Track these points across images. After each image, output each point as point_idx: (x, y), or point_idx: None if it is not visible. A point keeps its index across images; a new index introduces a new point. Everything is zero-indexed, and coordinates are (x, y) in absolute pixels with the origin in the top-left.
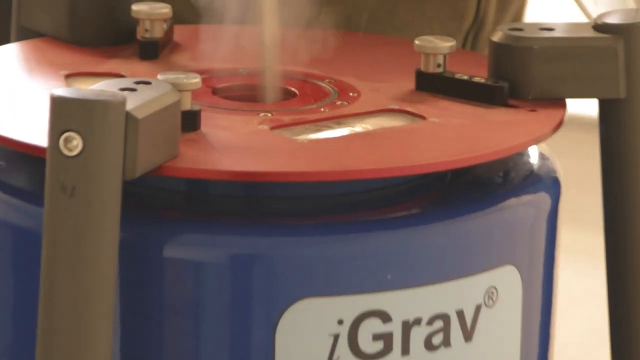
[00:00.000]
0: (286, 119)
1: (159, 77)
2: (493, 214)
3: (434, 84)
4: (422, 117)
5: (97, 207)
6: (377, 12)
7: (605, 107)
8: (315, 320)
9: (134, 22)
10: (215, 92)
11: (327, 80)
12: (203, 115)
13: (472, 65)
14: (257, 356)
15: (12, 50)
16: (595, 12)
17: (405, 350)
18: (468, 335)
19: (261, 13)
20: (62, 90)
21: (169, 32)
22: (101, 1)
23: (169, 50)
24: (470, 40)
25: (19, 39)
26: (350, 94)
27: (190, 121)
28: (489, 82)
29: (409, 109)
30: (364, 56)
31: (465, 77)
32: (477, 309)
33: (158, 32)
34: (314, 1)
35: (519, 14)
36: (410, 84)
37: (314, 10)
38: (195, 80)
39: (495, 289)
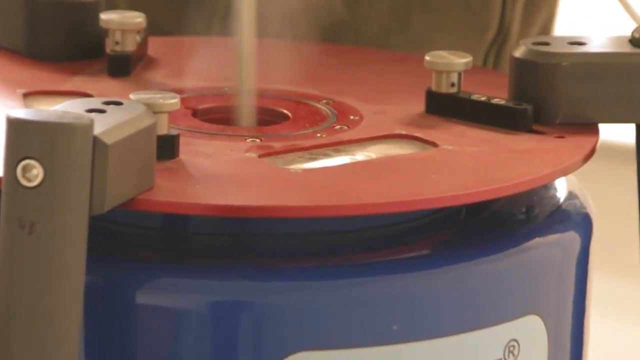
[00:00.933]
0: (277, 145)
1: (132, 96)
2: (514, 256)
3: (447, 106)
4: (434, 144)
5: (59, 246)
6: (388, 23)
7: None
8: None
9: (102, 34)
10: (196, 114)
11: (324, 101)
12: (182, 140)
13: (492, 84)
14: None
15: None
16: None
17: None
18: None
19: (237, 21)
20: (19, 112)
21: (143, 45)
22: (64, 9)
23: (143, 65)
24: (492, 55)
25: None
26: (351, 117)
27: (168, 147)
28: (511, 104)
29: (418, 134)
30: (367, 74)
31: (483, 99)
32: None
33: (130, 44)
34: (313, 9)
35: (547, 25)
36: (420, 106)
37: (312, 20)
38: (173, 100)
39: (517, 342)
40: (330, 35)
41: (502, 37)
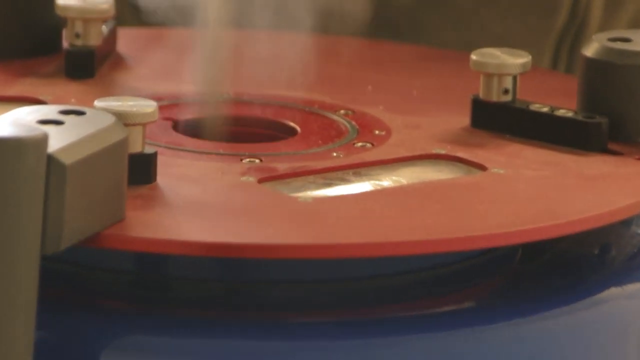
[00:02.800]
0: (282, 167)
1: (97, 104)
2: (585, 311)
3: (499, 119)
4: (481, 167)
5: (3, 292)
6: (423, 7)
7: None
8: None
9: (59, 24)
10: (177, 126)
11: (342, 112)
12: (161, 160)
13: (557, 91)
14: None
15: None
16: None
17: None
18: None
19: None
20: None
21: (111, 38)
22: None
23: (111, 64)
24: (565, 49)
25: None
26: (376, 131)
27: (142, 169)
28: (580, 117)
29: (461, 154)
30: (396, 76)
31: (545, 109)
32: None
33: (94, 37)
34: None
35: (634, 22)
36: (463, 118)
37: (325, 8)
38: (149, 109)
39: None
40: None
41: (576, 25)
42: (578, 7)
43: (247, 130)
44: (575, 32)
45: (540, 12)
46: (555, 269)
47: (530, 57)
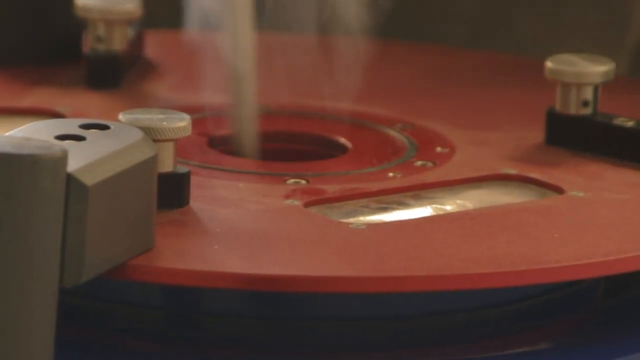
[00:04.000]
0: (331, 189)
1: (122, 117)
2: None
3: (578, 135)
4: (558, 190)
5: (18, 328)
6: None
7: None
8: None
9: (79, 26)
10: (213, 143)
11: (399, 126)
12: (195, 181)
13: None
14: None
15: None
16: None
17: None
18: None
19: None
20: None
21: (138, 42)
22: None
23: (138, 71)
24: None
25: None
26: (438, 149)
27: (174, 191)
28: None
29: (535, 175)
30: (460, 86)
31: (631, 124)
32: None
33: (119, 41)
34: None
35: None
36: (537, 133)
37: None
38: (182, 123)
39: None
40: (403, 29)
41: None
42: None
43: (291, 147)
44: None
45: (611, 28)
46: None
47: (613, 64)
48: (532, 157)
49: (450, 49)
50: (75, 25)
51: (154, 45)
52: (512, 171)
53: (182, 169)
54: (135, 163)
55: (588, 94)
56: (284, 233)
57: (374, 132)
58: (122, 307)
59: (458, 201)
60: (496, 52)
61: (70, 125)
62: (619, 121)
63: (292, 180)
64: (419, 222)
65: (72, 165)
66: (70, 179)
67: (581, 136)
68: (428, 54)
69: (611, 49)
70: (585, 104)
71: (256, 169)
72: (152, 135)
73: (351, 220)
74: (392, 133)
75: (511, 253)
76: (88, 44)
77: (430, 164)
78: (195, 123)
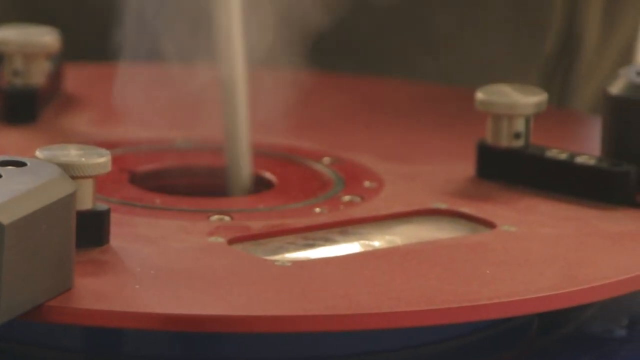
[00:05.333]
0: (256, 225)
1: (39, 153)
2: None
3: (510, 168)
4: (489, 224)
5: None
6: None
7: None
8: None
9: None
10: (134, 179)
11: (326, 159)
12: (115, 219)
13: (575, 134)
14: None
15: None
16: None
17: None
18: None
19: (224, 47)
20: None
21: (56, 77)
22: None
23: (56, 106)
24: (558, 79)
25: None
26: (367, 183)
27: (93, 229)
28: (605, 165)
29: (466, 209)
30: (388, 118)
31: (564, 156)
32: None
33: (37, 75)
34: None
35: (631, 40)
36: (467, 167)
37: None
38: (102, 159)
39: None
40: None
41: (569, 50)
42: (570, 28)
43: (215, 182)
44: (569, 61)
45: (528, 34)
46: (576, 344)
47: (546, 94)
48: (463, 191)
49: (374, 80)
50: None
51: (73, 79)
52: (443, 206)
53: (102, 206)
54: (53, 201)
55: (520, 125)
56: (208, 271)
57: (301, 166)
58: (41, 350)
59: (387, 237)
60: (424, 81)
61: None
62: (552, 153)
63: (215, 217)
64: (346, 258)
65: None
66: None
67: (513, 169)
68: (353, 86)
69: (527, 57)
70: (517, 136)
71: (178, 206)
72: (70, 172)
73: (276, 257)
74: (319, 167)
75: (442, 290)
76: (5, 78)
77: (358, 199)
78: (115, 159)
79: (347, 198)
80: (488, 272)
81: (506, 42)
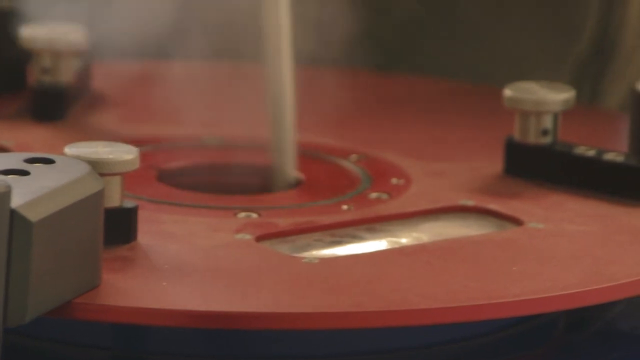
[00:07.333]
0: (283, 223)
1: (67, 151)
2: None
3: (537, 165)
4: (517, 221)
5: None
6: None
7: None
8: None
9: (24, 57)
10: (162, 176)
11: (353, 157)
12: (142, 216)
13: (603, 131)
14: None
15: None
16: None
17: None
18: None
19: (269, 45)
20: None
21: (85, 74)
22: None
23: (84, 104)
24: (589, 80)
25: None
26: (394, 180)
27: (121, 227)
28: (632, 162)
29: (493, 206)
30: (416, 115)
31: (592, 153)
32: None
33: (65, 73)
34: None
35: None
36: (495, 163)
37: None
38: (130, 156)
39: None
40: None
41: (603, 53)
42: (605, 31)
43: (242, 180)
44: (602, 61)
45: (560, 32)
46: (604, 341)
47: (574, 91)
48: (490, 187)
49: (402, 77)
50: (20, 57)
51: (101, 77)
52: (470, 202)
53: (130, 203)
54: (81, 198)
55: (548, 122)
56: (235, 268)
57: (328, 163)
58: (68, 347)
59: (414, 234)
60: (449, 78)
61: (15, 160)
62: (580, 150)
63: (243, 214)
64: (373, 255)
65: (16, 201)
66: (14, 214)
67: (541, 166)
68: (381, 82)
69: (558, 57)
70: (545, 132)
71: (206, 203)
72: (98, 169)
73: (304, 254)
74: (347, 164)
75: (468, 287)
76: (33, 76)
77: (385, 196)
78: (143, 156)
79: (374, 195)
80: (515, 269)
81: (538, 41)
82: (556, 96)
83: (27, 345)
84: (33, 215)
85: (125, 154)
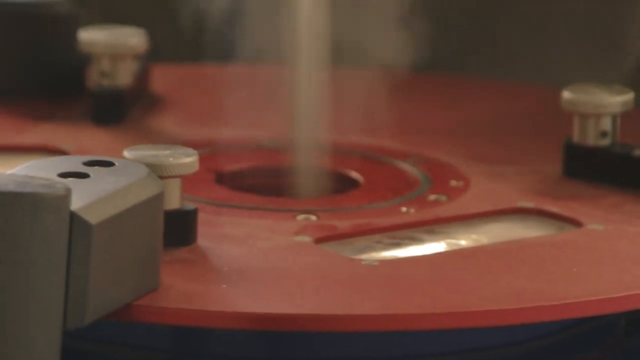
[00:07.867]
0: (342, 225)
1: (127, 153)
2: None
3: (596, 167)
4: (576, 223)
5: None
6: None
7: None
8: None
9: (83, 60)
10: (221, 179)
11: (412, 159)
12: (202, 219)
13: None
14: None
15: None
16: None
17: None
18: None
19: (296, 49)
20: None
21: (143, 77)
22: (25, 22)
23: (143, 107)
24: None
25: None
26: (453, 182)
27: (181, 229)
28: None
29: (553, 208)
30: (475, 117)
31: None
32: None
33: (124, 76)
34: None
35: None
36: (554, 165)
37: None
38: (189, 159)
39: None
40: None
41: None
42: None
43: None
44: None
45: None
46: None
47: (632, 93)
48: (549, 189)
49: (459, 79)
50: (79, 61)
51: (159, 80)
52: (529, 204)
53: (189, 206)
54: (141, 200)
55: (606, 124)
56: (295, 270)
57: (386, 165)
58: (127, 350)
59: (473, 236)
60: (504, 80)
61: (74, 162)
62: (639, 152)
63: (302, 216)
64: (433, 258)
65: (76, 203)
66: (73, 217)
67: (600, 168)
68: (439, 85)
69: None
70: (604, 134)
71: (265, 205)
72: (158, 171)
73: (363, 256)
74: (405, 166)
75: (528, 289)
76: (92, 79)
77: (444, 198)
78: (202, 159)
79: (433, 197)
80: (575, 270)
81: (593, 47)
82: (615, 98)
83: (84, 349)
84: (92, 218)
85: (184, 157)
